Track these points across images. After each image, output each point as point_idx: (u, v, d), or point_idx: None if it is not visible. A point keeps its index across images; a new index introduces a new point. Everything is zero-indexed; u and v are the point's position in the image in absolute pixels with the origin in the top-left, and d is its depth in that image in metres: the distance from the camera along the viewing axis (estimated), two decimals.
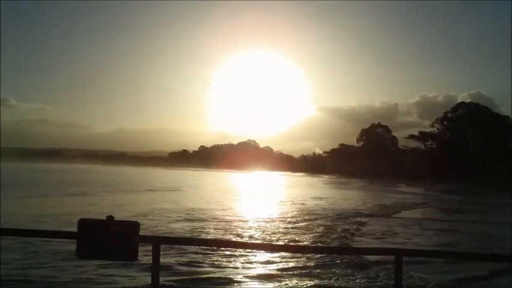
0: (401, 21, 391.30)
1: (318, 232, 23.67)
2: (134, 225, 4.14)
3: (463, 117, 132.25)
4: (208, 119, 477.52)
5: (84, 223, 4.15)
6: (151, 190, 52.11)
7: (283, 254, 15.39)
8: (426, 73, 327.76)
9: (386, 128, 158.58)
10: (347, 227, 25.48)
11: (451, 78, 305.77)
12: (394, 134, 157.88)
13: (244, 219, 28.04)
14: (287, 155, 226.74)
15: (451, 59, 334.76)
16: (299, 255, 15.36)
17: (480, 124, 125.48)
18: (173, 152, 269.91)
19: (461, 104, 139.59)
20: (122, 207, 32.68)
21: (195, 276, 13.44)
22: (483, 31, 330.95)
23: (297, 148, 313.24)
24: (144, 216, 27.21)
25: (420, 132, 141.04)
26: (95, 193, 43.71)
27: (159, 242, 4.30)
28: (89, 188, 48.31)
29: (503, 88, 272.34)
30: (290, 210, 34.46)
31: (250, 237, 21.47)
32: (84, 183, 57.03)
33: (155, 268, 4.24)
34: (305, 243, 20.11)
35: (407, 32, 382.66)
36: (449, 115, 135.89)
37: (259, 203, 42.55)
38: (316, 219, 29.44)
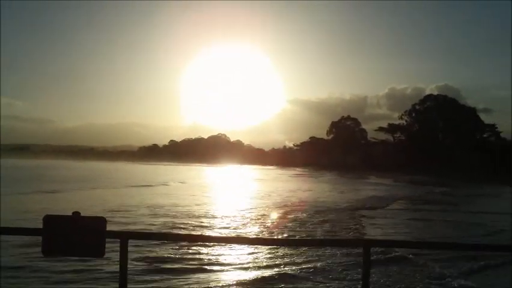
0: (371, 14, 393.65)
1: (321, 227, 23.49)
2: (101, 221, 4.08)
3: (431, 109, 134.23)
4: (180, 113, 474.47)
5: (50, 219, 4.07)
6: (130, 186, 51.18)
7: (257, 247, 15.43)
8: (395, 65, 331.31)
9: (355, 121, 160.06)
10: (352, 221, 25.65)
11: (419, 70, 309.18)
12: (364, 126, 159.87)
13: (222, 215, 27.77)
14: (258, 148, 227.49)
15: (419, 51, 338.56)
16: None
17: (448, 116, 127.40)
18: (144, 147, 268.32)
19: (429, 96, 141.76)
20: (97, 203, 32.20)
21: (164, 272, 13.30)
22: (450, 24, 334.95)
23: (268, 141, 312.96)
24: (115, 212, 26.90)
25: (389, 125, 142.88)
26: (67, 190, 42.89)
27: (127, 237, 4.25)
28: (61, 185, 47.28)
29: (470, 80, 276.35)
30: (271, 205, 34.36)
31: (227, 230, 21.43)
32: (55, 180, 55.90)
33: (123, 264, 4.20)
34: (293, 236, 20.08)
35: (376, 25, 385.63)
36: (418, 107, 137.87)
37: (235, 197, 42.13)
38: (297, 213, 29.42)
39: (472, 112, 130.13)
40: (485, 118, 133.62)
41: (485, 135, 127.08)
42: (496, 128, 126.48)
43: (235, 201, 37.26)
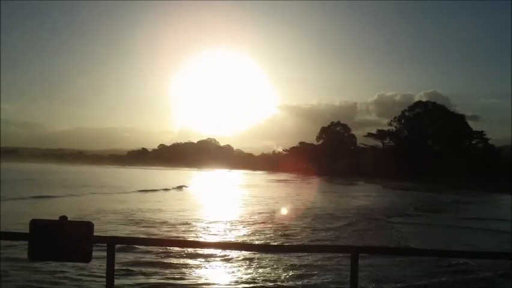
0: (359, 21, 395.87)
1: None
2: (88, 226, 4.06)
3: (420, 116, 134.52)
4: (169, 118, 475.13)
5: (36, 224, 4.03)
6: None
7: (243, 253, 15.34)
8: (384, 72, 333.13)
9: (345, 127, 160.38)
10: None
11: (408, 77, 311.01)
12: (354, 132, 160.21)
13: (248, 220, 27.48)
14: (247, 153, 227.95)
15: (408, 58, 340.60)
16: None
17: (437, 123, 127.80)
18: (133, 151, 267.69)
19: (419, 102, 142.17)
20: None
21: (151, 278, 13.24)
22: (439, 32, 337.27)
23: (257, 146, 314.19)
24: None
25: (379, 131, 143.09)
26: (64, 194, 42.39)
27: (114, 242, 4.22)
28: (57, 190, 46.71)
29: (459, 87, 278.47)
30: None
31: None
32: (48, 185, 55.40)
33: (110, 269, 4.17)
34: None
35: (365, 33, 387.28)
36: (407, 114, 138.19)
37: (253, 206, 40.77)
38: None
39: (460, 119, 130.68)
40: (473, 125, 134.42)
41: (473, 142, 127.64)
42: (484, 135, 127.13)
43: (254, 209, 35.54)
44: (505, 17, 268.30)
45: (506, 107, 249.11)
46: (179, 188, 61.58)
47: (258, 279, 13.40)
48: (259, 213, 32.07)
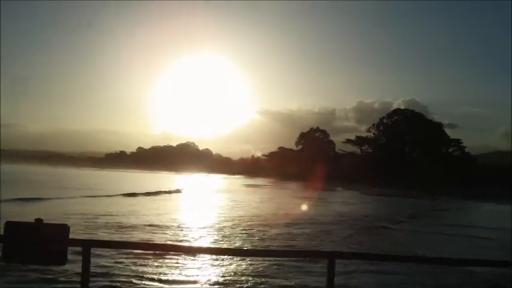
0: (340, 30, 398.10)
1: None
2: (63, 228, 4.01)
3: (398, 123, 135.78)
4: (149, 121, 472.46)
5: (11, 226, 3.97)
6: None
7: (224, 257, 15.26)
8: (363, 79, 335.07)
9: (324, 132, 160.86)
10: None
11: (387, 85, 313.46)
12: (333, 138, 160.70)
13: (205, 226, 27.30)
14: (226, 157, 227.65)
15: (387, 66, 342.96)
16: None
17: (415, 130, 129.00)
18: (110, 153, 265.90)
19: (397, 110, 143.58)
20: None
21: (126, 281, 13.10)
22: (418, 40, 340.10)
23: (236, 151, 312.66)
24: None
25: (357, 137, 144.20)
26: (51, 197, 41.31)
27: (89, 245, 4.18)
28: (42, 192, 45.40)
29: (438, 96, 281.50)
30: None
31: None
32: (32, 187, 54.02)
33: (85, 272, 4.13)
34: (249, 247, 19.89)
35: (345, 40, 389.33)
36: (385, 121, 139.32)
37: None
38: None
39: (438, 127, 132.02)
40: (451, 133, 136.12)
41: (450, 150, 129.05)
42: (461, 143, 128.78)
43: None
44: (489, 25, 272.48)
45: (483, 116, 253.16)
46: (175, 191, 60.54)
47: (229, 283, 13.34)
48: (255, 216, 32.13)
